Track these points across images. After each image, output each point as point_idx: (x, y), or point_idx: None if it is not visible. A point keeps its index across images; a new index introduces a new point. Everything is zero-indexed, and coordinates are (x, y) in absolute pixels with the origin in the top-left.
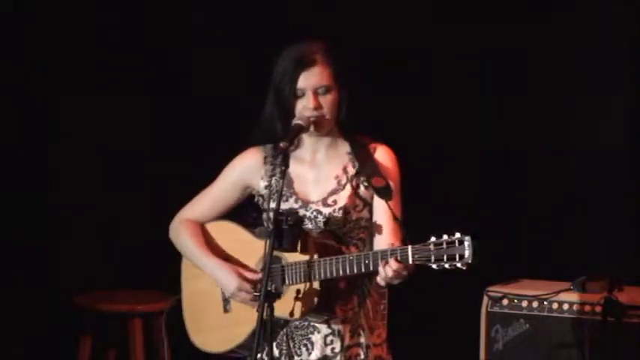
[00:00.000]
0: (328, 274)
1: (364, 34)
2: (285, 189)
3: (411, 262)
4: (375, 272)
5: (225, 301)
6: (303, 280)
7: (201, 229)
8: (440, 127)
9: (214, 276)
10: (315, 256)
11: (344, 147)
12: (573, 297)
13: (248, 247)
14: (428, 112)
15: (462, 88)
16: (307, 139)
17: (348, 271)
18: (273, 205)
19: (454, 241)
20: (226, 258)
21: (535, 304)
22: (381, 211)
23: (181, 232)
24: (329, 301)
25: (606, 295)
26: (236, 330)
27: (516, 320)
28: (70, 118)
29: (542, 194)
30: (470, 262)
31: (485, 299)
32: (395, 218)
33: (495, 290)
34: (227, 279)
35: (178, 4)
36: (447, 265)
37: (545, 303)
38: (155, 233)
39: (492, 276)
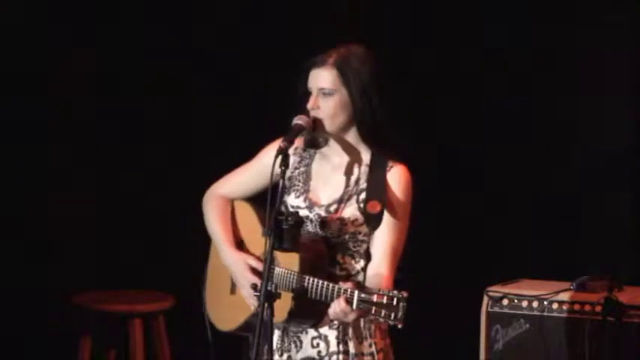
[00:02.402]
0: (300, 292)
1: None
2: (301, 184)
3: (354, 307)
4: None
5: (232, 283)
6: (285, 288)
7: (229, 207)
8: (440, 127)
9: (227, 263)
10: (297, 267)
11: (366, 158)
12: (573, 297)
13: (256, 239)
14: (428, 111)
15: (463, 87)
16: (332, 140)
17: (313, 295)
18: (286, 198)
19: (394, 298)
20: (240, 241)
21: (535, 304)
22: (379, 236)
23: (209, 207)
24: (308, 311)
25: (606, 295)
26: (237, 314)
27: (516, 320)
28: (70, 118)
29: (542, 194)
30: (402, 321)
31: (486, 299)
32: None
33: (495, 290)
34: (238, 269)
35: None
36: (381, 320)
37: (545, 303)
38: (155, 233)
39: (492, 276)
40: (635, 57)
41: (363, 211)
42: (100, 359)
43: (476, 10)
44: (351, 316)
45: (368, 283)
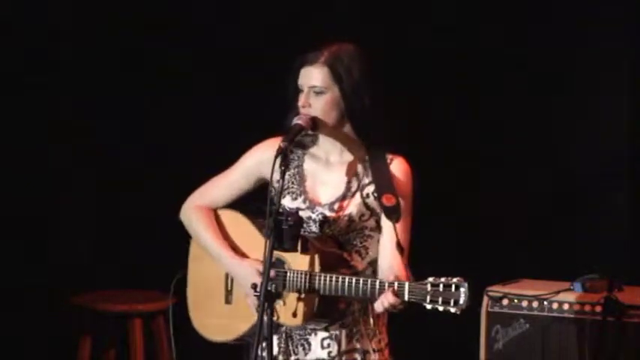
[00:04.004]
0: (327, 291)
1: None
2: (296, 186)
3: (406, 298)
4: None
5: (228, 292)
6: (303, 290)
7: (213, 216)
8: (439, 127)
9: (232, 272)
10: (317, 267)
11: (360, 153)
12: (573, 297)
13: (254, 242)
14: (427, 112)
15: (462, 88)
16: (321, 138)
17: (346, 293)
18: (280, 201)
19: (451, 285)
20: (234, 250)
21: (535, 304)
22: (389, 230)
23: (194, 219)
24: (329, 309)
25: (606, 295)
26: (236, 323)
27: (516, 320)
28: (70, 118)
29: (541, 194)
30: (464, 307)
31: (486, 299)
32: (398, 244)
33: (495, 290)
34: (246, 276)
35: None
36: (440, 308)
37: (545, 303)
38: (155, 233)
39: (492, 276)
40: (632, 56)
41: (368, 207)
42: (100, 359)
43: (474, 10)
44: (401, 307)
45: (383, 276)
